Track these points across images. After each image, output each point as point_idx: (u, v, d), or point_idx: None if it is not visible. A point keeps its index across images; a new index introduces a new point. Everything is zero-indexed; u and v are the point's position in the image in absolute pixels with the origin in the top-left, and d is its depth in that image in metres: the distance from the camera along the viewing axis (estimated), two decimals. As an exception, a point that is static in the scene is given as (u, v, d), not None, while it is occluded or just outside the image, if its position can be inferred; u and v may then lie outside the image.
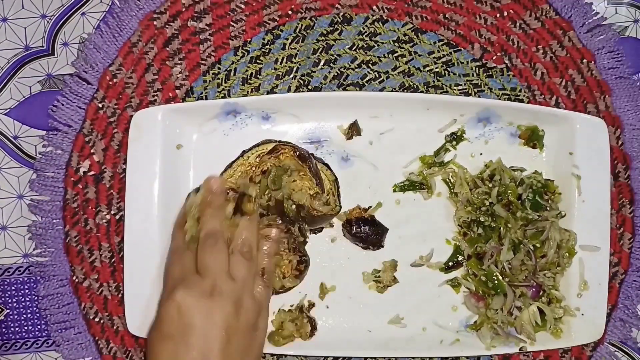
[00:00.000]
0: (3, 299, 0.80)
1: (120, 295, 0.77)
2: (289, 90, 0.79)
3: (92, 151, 0.78)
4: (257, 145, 0.75)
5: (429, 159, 0.77)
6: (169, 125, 0.75)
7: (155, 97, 0.78)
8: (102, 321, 0.78)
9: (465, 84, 0.79)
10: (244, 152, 0.75)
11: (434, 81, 0.79)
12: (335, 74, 0.79)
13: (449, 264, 0.77)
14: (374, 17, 0.79)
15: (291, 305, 0.76)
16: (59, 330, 0.78)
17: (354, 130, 0.77)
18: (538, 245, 0.73)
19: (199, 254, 0.65)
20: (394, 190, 0.77)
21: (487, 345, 0.74)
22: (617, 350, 0.79)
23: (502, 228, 0.74)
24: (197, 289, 0.62)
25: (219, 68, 0.79)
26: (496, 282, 0.73)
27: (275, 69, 0.79)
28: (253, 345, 0.65)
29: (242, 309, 0.63)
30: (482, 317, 0.75)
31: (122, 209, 0.77)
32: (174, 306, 0.61)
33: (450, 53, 0.79)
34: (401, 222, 0.77)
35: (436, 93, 0.79)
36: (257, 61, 0.79)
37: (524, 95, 0.79)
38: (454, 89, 0.79)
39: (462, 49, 0.79)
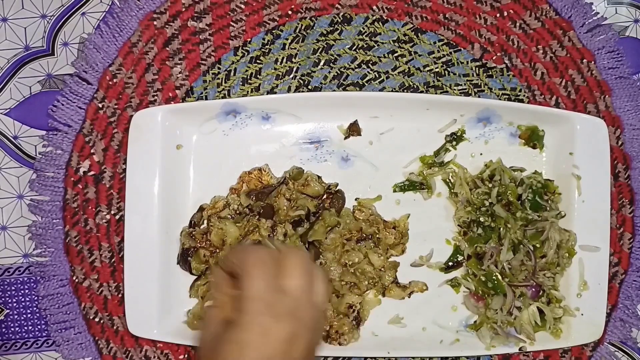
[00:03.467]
0: (3, 299, 0.80)
1: (120, 295, 0.77)
2: (289, 90, 0.79)
3: (92, 151, 0.78)
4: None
5: (429, 159, 0.77)
6: (169, 125, 0.75)
7: (155, 97, 0.78)
8: (102, 321, 0.78)
9: (465, 84, 0.79)
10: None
11: (434, 81, 0.79)
12: (335, 74, 0.79)
13: (449, 264, 0.77)
14: (374, 17, 0.79)
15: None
16: (59, 330, 0.78)
17: (354, 130, 0.77)
18: (538, 245, 0.73)
19: None
20: (394, 190, 0.77)
21: (487, 345, 0.74)
22: (617, 350, 0.79)
23: (502, 228, 0.74)
24: (288, 317, 0.56)
25: (219, 68, 0.79)
26: (496, 282, 0.73)
27: (275, 69, 0.79)
28: None
29: None
30: (482, 317, 0.75)
31: (122, 209, 0.77)
32: (260, 333, 0.54)
33: (450, 53, 0.79)
34: (401, 222, 0.77)
35: (436, 93, 0.79)
36: (257, 61, 0.79)
37: (524, 95, 0.79)
38: (454, 89, 0.79)
39: (462, 49, 0.79)
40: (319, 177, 0.76)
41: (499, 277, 0.74)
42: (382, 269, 0.75)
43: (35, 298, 0.80)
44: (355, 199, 0.77)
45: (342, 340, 0.73)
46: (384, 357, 0.75)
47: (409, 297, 0.76)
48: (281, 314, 0.55)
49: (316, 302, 0.58)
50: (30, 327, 0.80)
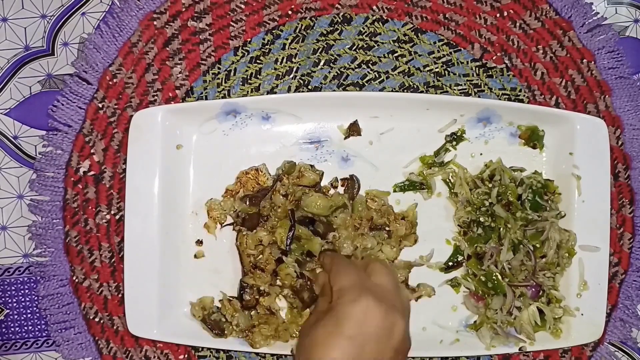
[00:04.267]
0: (3, 299, 0.80)
1: (120, 295, 0.77)
2: (289, 90, 0.79)
3: (92, 151, 0.78)
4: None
5: (429, 159, 0.77)
6: (169, 125, 0.75)
7: (155, 97, 0.78)
8: (102, 321, 0.78)
9: (465, 84, 0.79)
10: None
11: (434, 81, 0.79)
12: (335, 74, 0.79)
13: (449, 264, 0.77)
14: (374, 17, 0.79)
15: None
16: (59, 330, 0.78)
17: (354, 130, 0.77)
18: (538, 245, 0.73)
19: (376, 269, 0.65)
20: (394, 190, 0.77)
21: (487, 345, 0.74)
22: (617, 350, 0.79)
23: (502, 228, 0.73)
24: (386, 301, 0.60)
25: (219, 68, 0.79)
26: (496, 282, 0.73)
27: (275, 69, 0.79)
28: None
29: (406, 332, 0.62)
30: (482, 317, 0.75)
31: (122, 209, 0.77)
32: (362, 310, 0.58)
33: (450, 53, 0.79)
34: (401, 222, 0.77)
35: (436, 93, 0.79)
36: (257, 61, 0.79)
37: (524, 95, 0.79)
38: (454, 89, 0.79)
39: (462, 49, 0.79)
40: (312, 166, 0.76)
41: (499, 277, 0.73)
42: (394, 263, 0.75)
43: (35, 298, 0.80)
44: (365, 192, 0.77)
45: None
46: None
47: (416, 301, 0.76)
48: (381, 297, 0.59)
49: (405, 302, 0.63)
50: (30, 327, 0.80)
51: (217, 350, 0.78)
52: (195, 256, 0.77)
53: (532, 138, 0.77)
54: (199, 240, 0.77)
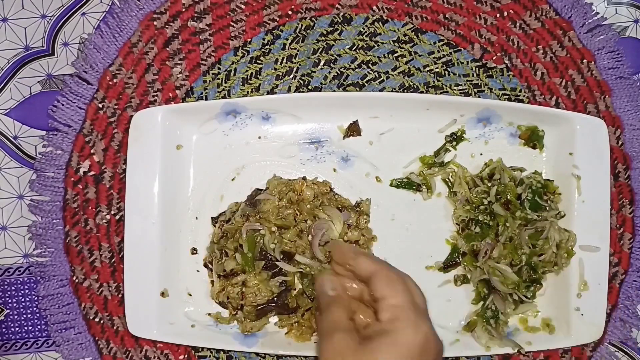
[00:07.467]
0: (3, 299, 0.80)
1: (120, 295, 0.77)
2: (289, 91, 0.79)
3: (92, 151, 0.78)
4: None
5: (429, 159, 0.77)
6: (169, 125, 0.75)
7: (155, 97, 0.78)
8: (102, 321, 0.78)
9: (465, 84, 0.79)
10: None
11: (434, 81, 0.79)
12: (335, 74, 0.79)
13: (447, 263, 0.77)
14: (374, 17, 0.79)
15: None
16: (59, 331, 0.78)
17: (354, 130, 0.77)
18: (538, 245, 0.73)
19: None
20: (391, 184, 0.77)
21: (483, 345, 0.74)
22: (617, 350, 0.79)
23: (500, 226, 0.73)
24: (429, 322, 0.59)
25: (219, 68, 0.79)
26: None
27: (275, 69, 0.79)
28: None
29: None
30: (478, 318, 0.75)
31: (122, 209, 0.77)
32: (424, 340, 0.57)
33: (450, 53, 0.79)
34: (401, 222, 0.77)
35: (436, 93, 0.79)
36: (257, 61, 0.79)
37: (524, 95, 0.79)
38: (454, 89, 0.79)
39: (462, 49, 0.79)
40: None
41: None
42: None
43: (35, 298, 0.80)
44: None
45: None
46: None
47: None
48: (428, 319, 0.59)
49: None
50: (30, 327, 0.80)
51: (217, 351, 0.78)
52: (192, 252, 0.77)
53: (532, 138, 0.77)
54: (194, 248, 0.77)
